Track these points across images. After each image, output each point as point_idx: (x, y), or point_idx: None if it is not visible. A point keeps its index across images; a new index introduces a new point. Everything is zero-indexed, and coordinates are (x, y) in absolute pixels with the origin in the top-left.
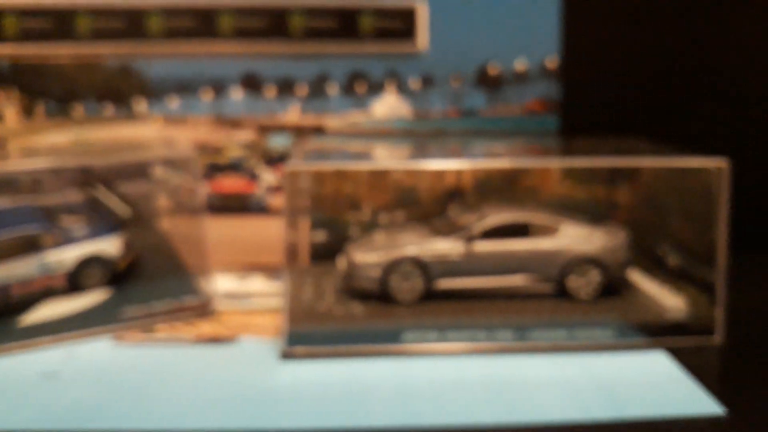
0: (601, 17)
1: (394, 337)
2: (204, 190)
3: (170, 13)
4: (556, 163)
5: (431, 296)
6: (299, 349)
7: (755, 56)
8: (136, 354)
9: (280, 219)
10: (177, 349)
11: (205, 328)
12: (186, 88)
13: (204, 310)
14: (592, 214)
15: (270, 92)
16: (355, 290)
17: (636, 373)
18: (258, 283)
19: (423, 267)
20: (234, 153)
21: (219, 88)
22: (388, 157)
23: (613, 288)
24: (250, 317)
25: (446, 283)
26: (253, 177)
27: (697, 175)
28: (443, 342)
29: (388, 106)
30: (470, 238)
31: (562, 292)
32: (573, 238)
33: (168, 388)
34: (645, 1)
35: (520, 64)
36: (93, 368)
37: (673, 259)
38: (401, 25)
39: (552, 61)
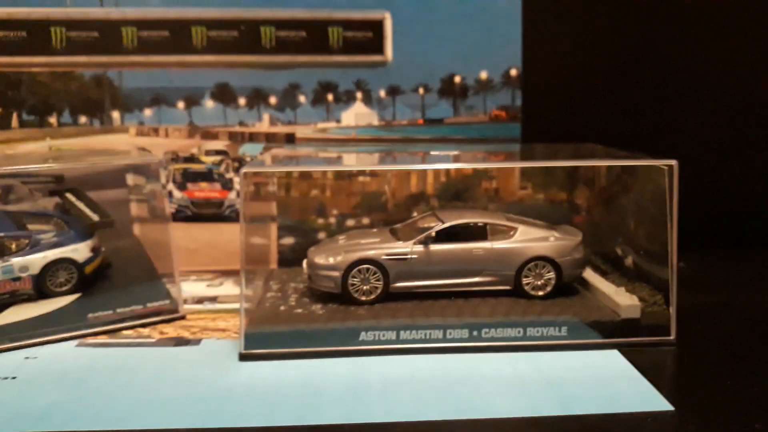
0: (560, 30)
1: (352, 336)
2: (178, 196)
3: (144, 25)
4: (517, 165)
5: (390, 297)
6: (258, 349)
7: (708, 63)
8: (97, 355)
9: (261, 229)
10: (138, 350)
11: (170, 331)
12: (159, 98)
13: (171, 314)
14: (552, 217)
15: (242, 102)
16: (317, 292)
17: (587, 370)
18: (227, 288)
19: (381, 268)
20: (207, 161)
21: (192, 98)
22: (353, 163)
23: (569, 287)
24: (216, 321)
25: (404, 284)
26: (226, 184)
27: (651, 178)
28: (400, 341)
29: (356, 115)
30: (428, 240)
31: (519, 292)
32: (529, 239)
33: (124, 388)
34: (602, 15)
35: (484, 75)
36: (52, 370)
37: (629, 260)
38: (369, 37)
39: (514, 72)
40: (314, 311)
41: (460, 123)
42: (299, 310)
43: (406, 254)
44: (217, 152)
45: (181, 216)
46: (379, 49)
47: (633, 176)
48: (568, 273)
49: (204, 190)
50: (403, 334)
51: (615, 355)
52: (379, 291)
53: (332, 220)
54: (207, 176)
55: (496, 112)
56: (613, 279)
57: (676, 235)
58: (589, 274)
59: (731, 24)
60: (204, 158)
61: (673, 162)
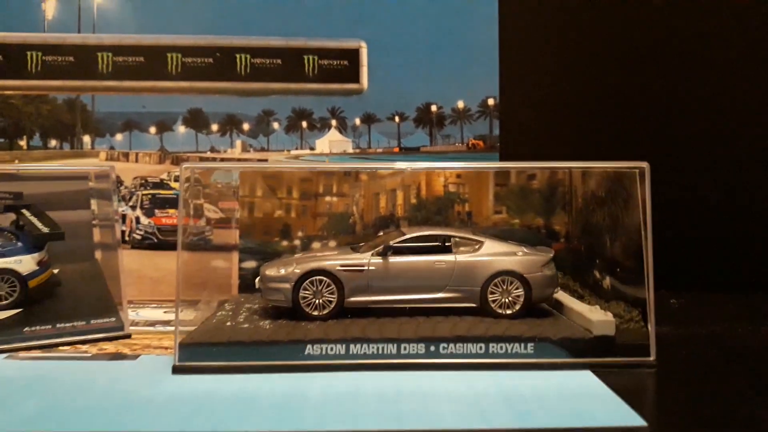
0: (537, 60)
1: (297, 351)
2: (145, 223)
3: (120, 51)
4: (491, 167)
5: (345, 312)
6: (193, 362)
7: (680, 90)
8: (24, 366)
9: (222, 254)
10: (69, 363)
11: (109, 347)
12: (132, 123)
13: (115, 332)
14: (528, 243)
15: (215, 128)
16: (270, 309)
17: (554, 389)
18: (185, 314)
19: (335, 281)
20: (177, 187)
21: (164, 124)
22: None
23: (538, 305)
24: (162, 340)
25: (361, 299)
26: (195, 211)
27: (624, 187)
28: (350, 356)
29: (331, 142)
30: (387, 252)
31: (485, 309)
32: (496, 252)
33: (54, 398)
34: (580, 43)
35: (461, 104)
36: None
37: (607, 281)
38: (345, 65)
39: (492, 102)
40: (261, 326)
41: (437, 152)
42: (246, 326)
43: (362, 266)
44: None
45: (147, 243)
46: (355, 77)
47: (607, 189)
48: (538, 291)
49: (172, 217)
50: (354, 349)
51: (587, 375)
52: (332, 305)
53: (297, 242)
54: (175, 203)
55: (474, 141)
56: (590, 300)
57: (651, 245)
58: (564, 298)
59: (715, 50)
60: (174, 184)
61: (644, 164)
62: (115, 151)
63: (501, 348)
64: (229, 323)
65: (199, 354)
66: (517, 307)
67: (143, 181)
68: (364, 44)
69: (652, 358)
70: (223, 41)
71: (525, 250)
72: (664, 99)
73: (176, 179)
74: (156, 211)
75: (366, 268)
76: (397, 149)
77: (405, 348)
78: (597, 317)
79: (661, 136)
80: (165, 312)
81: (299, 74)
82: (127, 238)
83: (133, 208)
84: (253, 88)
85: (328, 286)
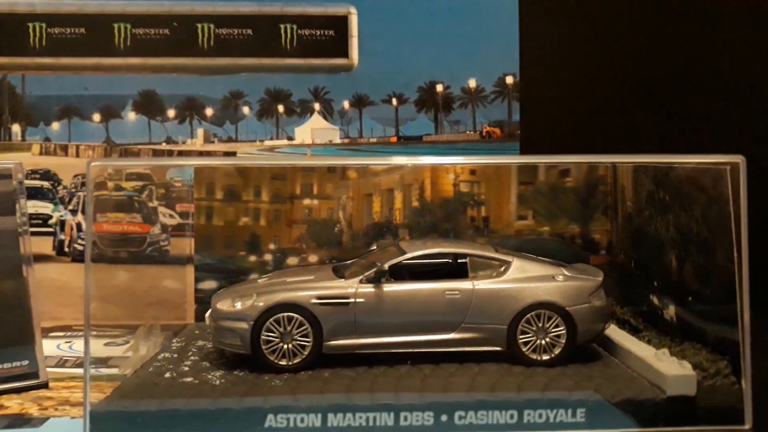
0: (565, 28)
1: (253, 421)
2: (89, 231)
3: (56, 20)
4: (513, 161)
5: (324, 361)
6: None
7: (706, 71)
8: None
9: (179, 268)
10: None
11: (13, 405)
12: (71, 109)
13: (28, 381)
14: (560, 257)
15: (171, 114)
16: (225, 353)
17: None
18: (118, 349)
19: (310, 318)
20: (126, 187)
21: (111, 109)
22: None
23: (586, 349)
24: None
25: (345, 342)
26: (148, 216)
27: (701, 188)
28: (328, 430)
29: (313, 131)
30: (380, 278)
31: (514, 355)
32: (527, 277)
33: None
34: (615, 12)
35: (473, 83)
36: None
37: (671, 310)
38: (331, 36)
39: (511, 80)
40: (208, 381)
41: (443, 141)
42: (189, 379)
43: (347, 297)
44: (140, 176)
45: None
46: (343, 51)
47: (674, 191)
48: (585, 328)
49: (121, 223)
50: (333, 420)
51: None
52: (306, 352)
53: (268, 257)
54: (124, 206)
55: (489, 128)
56: (650, 338)
57: (747, 266)
58: (615, 332)
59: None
60: (124, 183)
61: (739, 158)
62: (52, 143)
63: (540, 416)
64: (168, 374)
65: (117, 423)
66: (557, 350)
67: (85, 180)
68: (353, 10)
69: (747, 426)
70: (182, 8)
71: (566, 272)
72: (696, 74)
73: (126, 177)
74: (99, 216)
75: (352, 300)
76: (394, 139)
77: (406, 419)
78: (671, 369)
79: (728, 121)
80: (106, 345)
81: (274, 47)
82: (66, 249)
83: (74, 212)
84: (218, 65)
85: (301, 325)
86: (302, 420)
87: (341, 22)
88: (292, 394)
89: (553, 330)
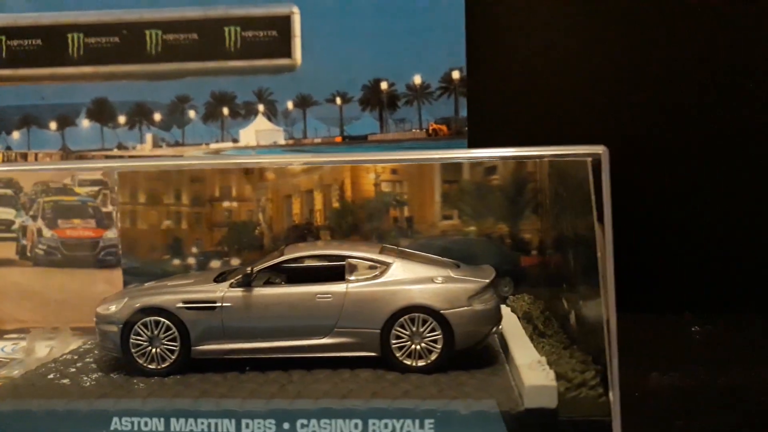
0: (515, 21)
1: (100, 427)
2: (47, 236)
3: (13, 33)
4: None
5: (195, 365)
6: None
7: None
8: None
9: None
10: None
11: None
12: (30, 118)
13: None
14: (487, 259)
15: (122, 120)
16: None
17: None
18: (39, 348)
19: (177, 323)
20: (81, 192)
21: (66, 118)
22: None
23: (468, 356)
24: None
25: (213, 347)
26: (102, 221)
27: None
28: None
29: (258, 132)
30: (249, 282)
31: (388, 361)
32: (404, 279)
33: None
34: (551, 10)
35: (418, 80)
36: None
37: (573, 315)
38: (274, 37)
39: (457, 75)
40: (80, 383)
41: (389, 140)
42: (65, 381)
43: (214, 301)
44: (93, 182)
45: (50, 260)
46: (286, 51)
47: (563, 186)
48: (464, 332)
49: (77, 228)
50: (176, 425)
51: None
52: (174, 356)
53: (191, 260)
54: (82, 211)
55: (435, 126)
56: (548, 344)
57: (612, 265)
58: (515, 337)
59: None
60: (78, 189)
61: (600, 148)
62: (13, 151)
63: (386, 426)
64: (52, 375)
65: None
66: (433, 356)
67: (45, 187)
68: (296, 9)
69: None
70: (131, 16)
71: (451, 273)
72: (643, 71)
73: (80, 183)
74: (59, 221)
75: (219, 304)
76: (339, 139)
77: (248, 426)
78: (530, 379)
79: (678, 115)
80: (13, 345)
81: (219, 50)
82: (29, 254)
83: (34, 218)
84: (166, 70)
85: (168, 329)
86: (146, 424)
87: (284, 22)
88: (145, 398)
89: (429, 335)
